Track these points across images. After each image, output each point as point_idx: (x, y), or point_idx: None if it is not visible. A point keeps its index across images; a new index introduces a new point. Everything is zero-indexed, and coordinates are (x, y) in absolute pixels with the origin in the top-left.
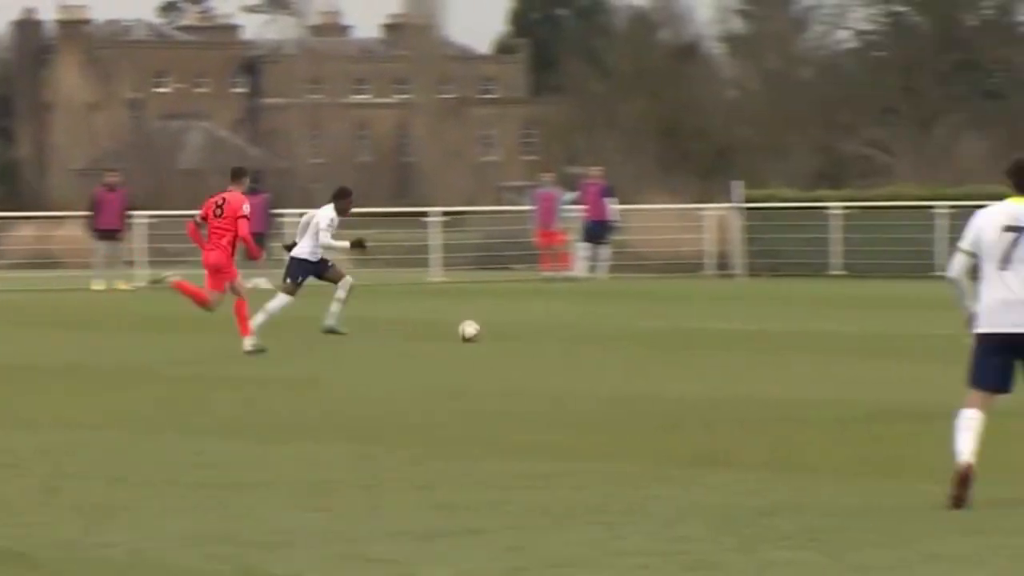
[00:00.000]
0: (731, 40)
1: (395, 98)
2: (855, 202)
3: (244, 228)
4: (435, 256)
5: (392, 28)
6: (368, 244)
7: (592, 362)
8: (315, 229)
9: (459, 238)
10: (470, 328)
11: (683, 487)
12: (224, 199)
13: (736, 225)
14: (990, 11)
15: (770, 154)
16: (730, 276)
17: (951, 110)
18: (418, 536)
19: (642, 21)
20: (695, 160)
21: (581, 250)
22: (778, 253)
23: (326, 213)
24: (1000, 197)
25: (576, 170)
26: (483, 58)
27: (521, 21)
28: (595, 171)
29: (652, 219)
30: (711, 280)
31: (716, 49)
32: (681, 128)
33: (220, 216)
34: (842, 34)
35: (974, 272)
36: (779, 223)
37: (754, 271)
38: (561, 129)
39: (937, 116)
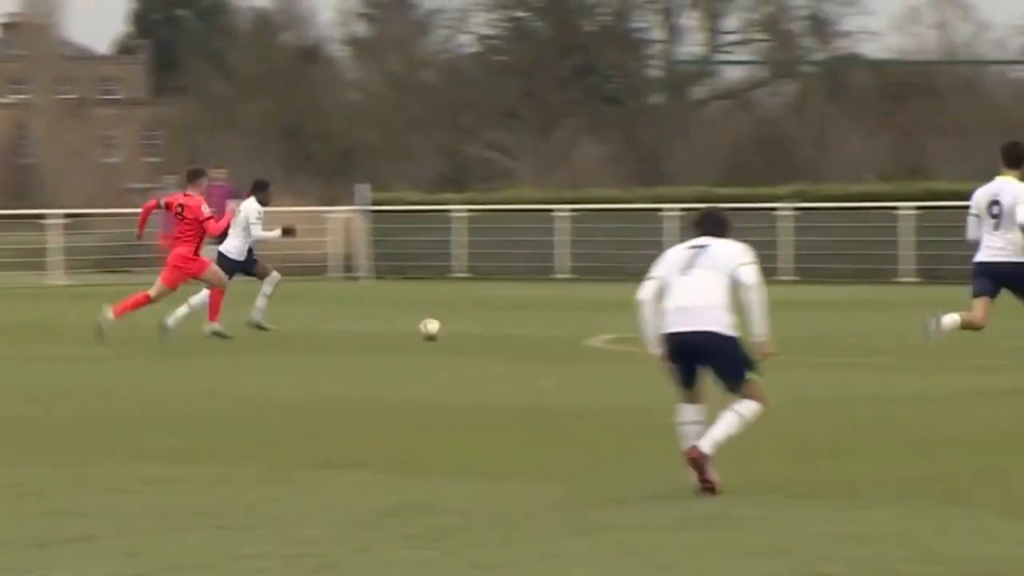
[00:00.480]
0: (354, 43)
1: (12, 98)
2: (478, 205)
3: (213, 228)
4: (55, 259)
5: (8, 27)
6: (296, 229)
7: (217, 365)
8: (244, 224)
9: (81, 240)
10: (432, 325)
11: (307, 489)
12: (182, 205)
13: (361, 228)
14: (607, 18)
15: (394, 156)
16: (355, 278)
17: (570, 114)
18: (30, 544)
19: (265, 23)
20: (319, 162)
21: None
22: (403, 256)
23: (252, 206)
24: (614, 201)
25: None
26: (103, 58)
27: (142, 22)
28: (219, 173)
29: (276, 221)
30: (336, 282)
31: (339, 52)
32: (305, 130)
33: (182, 220)
34: (464, 38)
35: (661, 297)
36: (404, 226)
37: (380, 273)
38: (184, 130)
39: (557, 120)
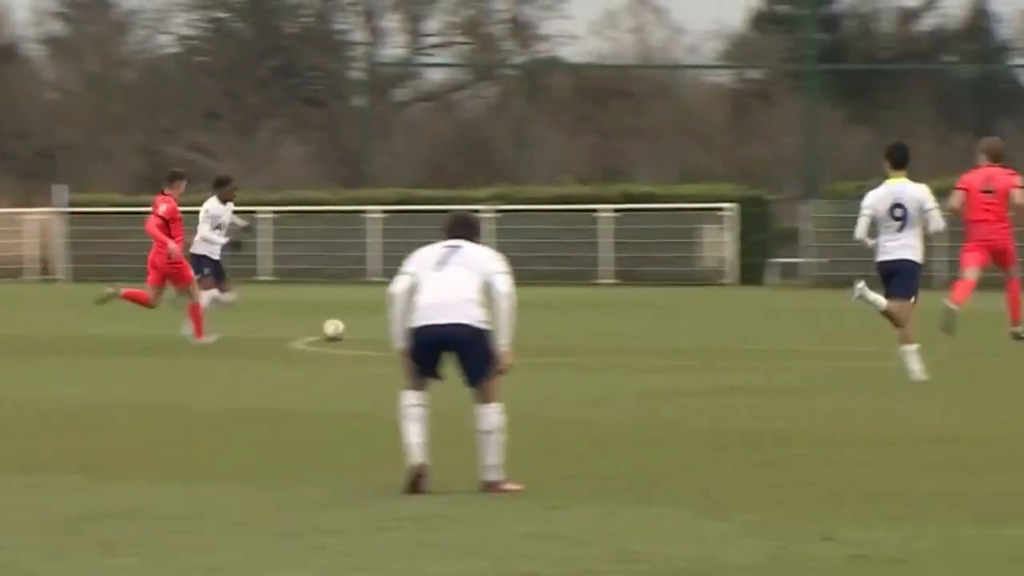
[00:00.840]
0: (50, 42)
1: None
2: (179, 207)
3: (149, 225)
4: None
5: None
6: (244, 241)
7: None
8: (215, 225)
9: None
10: (331, 327)
11: None
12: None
13: (59, 229)
14: (309, 19)
15: (94, 157)
16: (53, 281)
17: (272, 115)
18: None
19: None
20: (16, 162)
21: None
22: (104, 258)
23: (209, 204)
24: (316, 202)
25: None
26: None
27: None
28: None
29: None
30: (33, 285)
31: (36, 51)
32: (1, 129)
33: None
34: (164, 39)
35: (413, 293)
36: (105, 227)
37: (79, 276)
38: None
39: (259, 121)
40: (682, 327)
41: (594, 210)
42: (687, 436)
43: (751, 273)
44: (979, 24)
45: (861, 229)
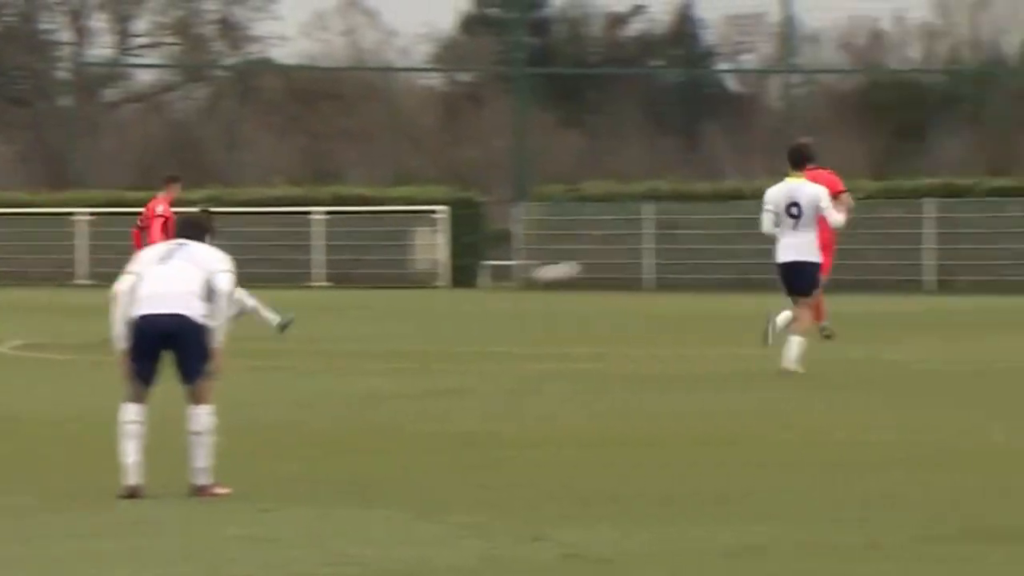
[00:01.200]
0: None
1: None
2: None
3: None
4: None
5: None
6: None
7: None
8: None
9: None
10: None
11: None
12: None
13: None
14: (13, 18)
15: None
16: None
17: None
18: None
19: None
20: None
21: None
22: None
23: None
24: (21, 204)
25: None
26: None
27: None
28: None
29: None
30: None
31: None
32: None
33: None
34: None
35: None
36: None
37: None
38: None
39: None
40: (396, 330)
41: (307, 212)
42: (402, 439)
43: (463, 275)
44: (684, 30)
45: (766, 224)
